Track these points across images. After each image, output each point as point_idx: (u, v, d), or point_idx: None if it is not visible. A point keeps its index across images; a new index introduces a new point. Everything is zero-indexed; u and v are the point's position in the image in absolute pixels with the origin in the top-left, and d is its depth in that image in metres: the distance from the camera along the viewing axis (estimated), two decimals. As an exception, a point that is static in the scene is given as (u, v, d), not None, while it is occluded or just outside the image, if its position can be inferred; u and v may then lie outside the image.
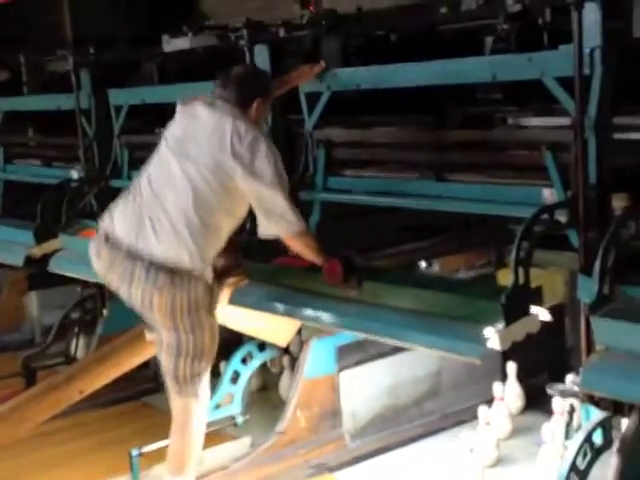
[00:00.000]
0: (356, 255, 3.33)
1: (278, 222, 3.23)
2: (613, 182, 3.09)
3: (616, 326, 2.50)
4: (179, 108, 3.40)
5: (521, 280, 2.76)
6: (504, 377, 4.17)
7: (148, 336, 3.43)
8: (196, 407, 3.33)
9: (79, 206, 4.66)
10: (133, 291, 3.23)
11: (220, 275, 3.47)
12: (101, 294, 4.88)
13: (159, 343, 3.33)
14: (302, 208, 3.61)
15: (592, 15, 2.71)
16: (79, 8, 7.36)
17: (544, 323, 2.81)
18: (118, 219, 3.32)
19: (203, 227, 3.20)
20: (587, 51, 2.74)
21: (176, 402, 3.34)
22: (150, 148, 3.51)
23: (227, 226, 3.30)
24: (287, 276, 3.49)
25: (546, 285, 3.37)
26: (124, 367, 3.34)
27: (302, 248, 3.30)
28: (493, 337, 2.73)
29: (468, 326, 2.82)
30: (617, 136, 3.16)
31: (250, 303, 3.48)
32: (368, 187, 3.60)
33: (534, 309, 2.80)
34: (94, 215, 4.75)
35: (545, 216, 2.87)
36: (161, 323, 3.28)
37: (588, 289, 2.65)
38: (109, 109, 4.74)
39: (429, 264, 4.13)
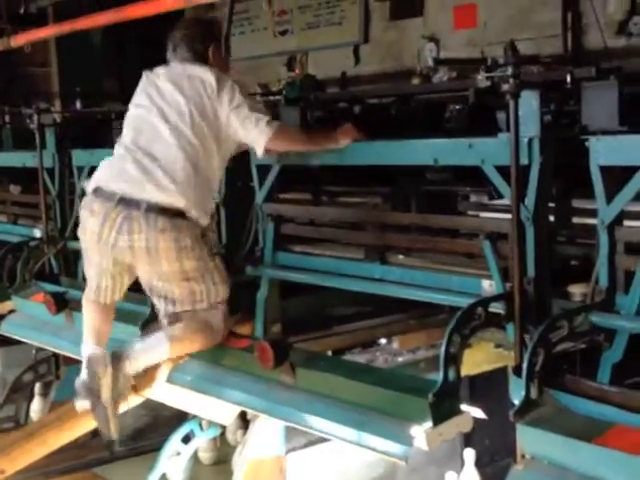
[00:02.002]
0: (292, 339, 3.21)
1: (261, 129, 3.26)
2: (569, 271, 2.98)
3: (539, 435, 2.35)
4: (144, 79, 3.42)
5: (451, 377, 2.62)
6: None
7: (78, 405, 3.25)
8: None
9: (35, 267, 4.56)
10: (136, 240, 3.20)
11: None
12: (55, 358, 4.75)
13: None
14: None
15: (530, 104, 2.61)
16: (68, 61, 7.36)
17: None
18: (106, 173, 3.34)
19: (196, 176, 3.23)
20: (525, 140, 2.63)
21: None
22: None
23: (217, 171, 3.36)
24: (227, 356, 3.36)
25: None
26: (51, 446, 3.20)
27: (290, 142, 3.35)
28: (420, 437, 2.59)
29: (397, 423, 2.68)
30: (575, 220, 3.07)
31: (185, 382, 3.34)
32: (316, 265, 3.48)
33: (466, 407, 2.67)
34: (54, 277, 4.67)
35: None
36: (170, 274, 3.26)
37: (519, 391, 2.51)
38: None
39: (388, 341, 4.00)
